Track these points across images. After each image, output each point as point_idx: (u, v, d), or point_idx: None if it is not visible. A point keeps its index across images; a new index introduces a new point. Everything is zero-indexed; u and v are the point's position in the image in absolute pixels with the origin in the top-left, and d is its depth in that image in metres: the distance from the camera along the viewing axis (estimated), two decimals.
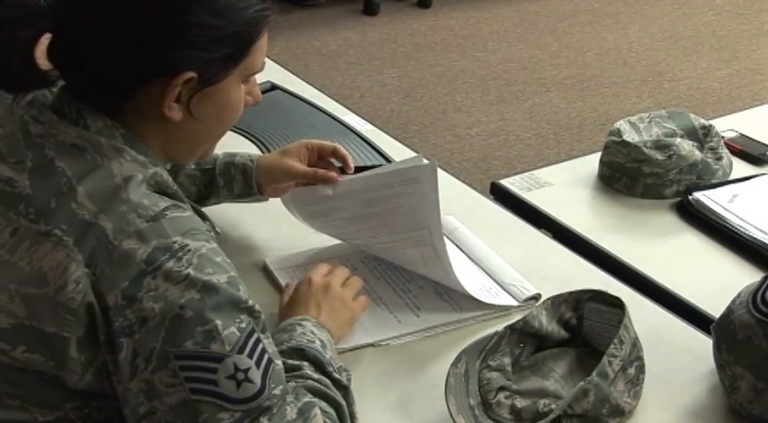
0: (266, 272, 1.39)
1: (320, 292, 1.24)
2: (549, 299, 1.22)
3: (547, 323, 1.21)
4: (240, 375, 0.91)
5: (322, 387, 1.05)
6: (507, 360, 1.17)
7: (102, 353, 0.93)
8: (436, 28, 4.52)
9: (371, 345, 1.24)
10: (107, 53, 0.97)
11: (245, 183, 1.40)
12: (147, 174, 0.97)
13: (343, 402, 1.06)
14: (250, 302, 0.94)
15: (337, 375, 1.08)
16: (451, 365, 1.11)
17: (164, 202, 0.95)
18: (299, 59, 4.06)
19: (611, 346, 1.11)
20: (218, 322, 0.91)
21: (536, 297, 1.34)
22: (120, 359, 0.91)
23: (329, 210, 1.39)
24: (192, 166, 1.41)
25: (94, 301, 0.91)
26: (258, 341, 0.94)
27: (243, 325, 0.92)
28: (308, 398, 1.00)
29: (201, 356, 0.90)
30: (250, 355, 0.92)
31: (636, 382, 1.13)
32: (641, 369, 1.15)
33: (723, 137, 1.76)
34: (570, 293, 1.23)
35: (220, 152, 1.41)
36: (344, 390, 1.08)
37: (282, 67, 2.09)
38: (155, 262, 0.91)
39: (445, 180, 1.69)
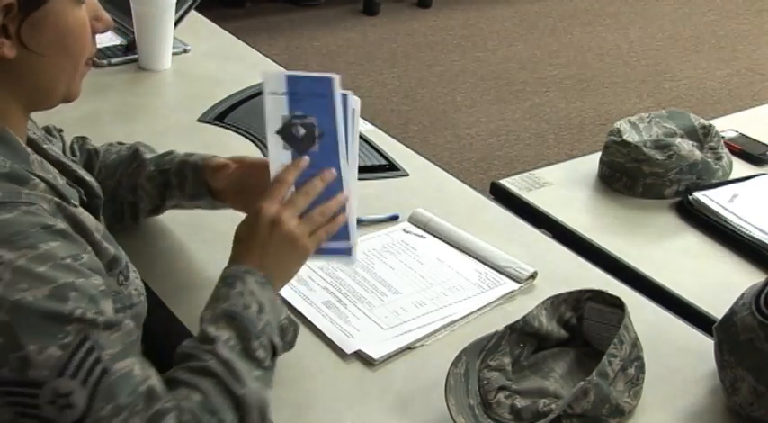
0: None
1: (267, 228, 1.07)
2: (549, 299, 1.22)
3: (547, 323, 1.21)
4: (61, 401, 0.85)
5: (222, 375, 0.95)
6: (507, 360, 1.17)
7: None
8: (436, 28, 4.52)
9: (408, 347, 1.23)
10: None
11: (195, 181, 1.27)
12: None
13: (245, 394, 0.95)
14: (78, 312, 0.86)
15: (263, 352, 0.99)
16: (451, 365, 1.10)
17: None
18: (299, 59, 4.06)
19: (611, 345, 1.11)
20: (32, 347, 0.84)
21: (534, 275, 1.36)
22: None
23: None
24: (152, 168, 1.31)
25: None
26: (90, 352, 0.86)
27: (67, 339, 0.85)
28: (161, 404, 0.90)
29: (19, 383, 0.85)
30: (74, 375, 0.85)
31: (636, 382, 1.13)
32: (641, 369, 1.15)
33: (723, 137, 1.76)
34: (570, 293, 1.23)
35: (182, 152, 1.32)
36: (264, 371, 0.99)
37: (282, 67, 2.09)
38: None
39: (445, 180, 1.69)
